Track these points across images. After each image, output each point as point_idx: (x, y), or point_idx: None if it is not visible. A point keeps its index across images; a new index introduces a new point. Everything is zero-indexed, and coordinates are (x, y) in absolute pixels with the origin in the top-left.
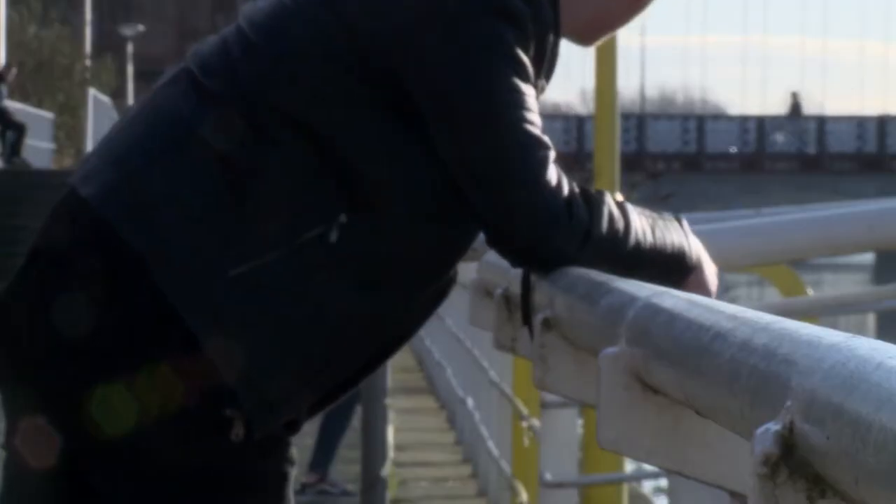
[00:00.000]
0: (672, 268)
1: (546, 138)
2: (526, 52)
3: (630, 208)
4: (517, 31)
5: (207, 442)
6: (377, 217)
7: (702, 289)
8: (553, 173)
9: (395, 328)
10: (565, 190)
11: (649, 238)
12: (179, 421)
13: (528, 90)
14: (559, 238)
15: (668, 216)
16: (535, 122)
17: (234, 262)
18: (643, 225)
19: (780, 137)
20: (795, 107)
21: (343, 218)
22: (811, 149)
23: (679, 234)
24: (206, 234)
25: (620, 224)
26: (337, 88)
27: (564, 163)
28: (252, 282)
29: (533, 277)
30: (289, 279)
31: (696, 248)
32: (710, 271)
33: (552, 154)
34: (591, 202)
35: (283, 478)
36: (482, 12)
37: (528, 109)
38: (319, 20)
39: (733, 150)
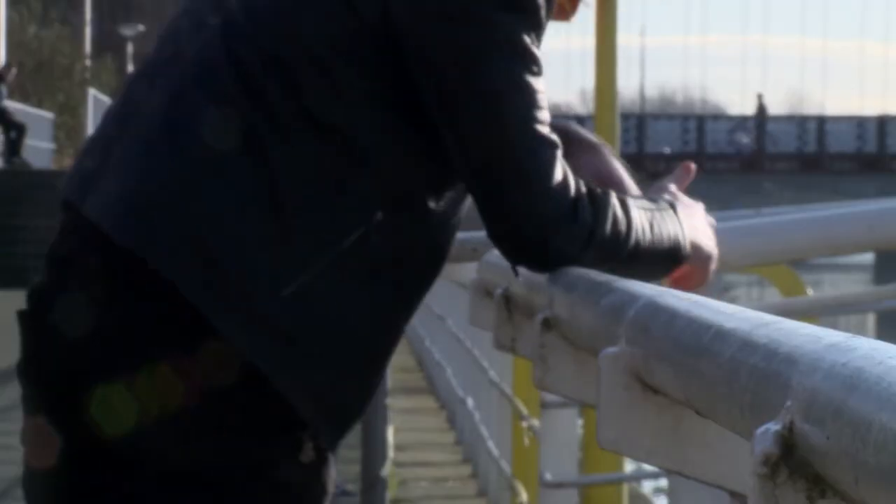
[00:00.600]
0: (667, 261)
1: (554, 137)
2: (539, 37)
3: (630, 204)
4: (529, 20)
5: (274, 462)
6: (403, 212)
7: (695, 275)
8: (560, 173)
9: (409, 319)
10: (571, 190)
11: (648, 235)
12: (240, 440)
13: (537, 85)
14: (562, 239)
15: (663, 204)
16: (543, 121)
17: (285, 281)
18: (643, 222)
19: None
20: (761, 108)
21: (380, 215)
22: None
23: (674, 225)
24: (254, 258)
25: (623, 225)
26: (350, 84)
27: None
28: (306, 297)
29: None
30: (340, 287)
31: (690, 236)
32: (708, 248)
33: (559, 153)
34: (597, 203)
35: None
36: (490, 6)
37: (536, 108)
38: (328, 11)
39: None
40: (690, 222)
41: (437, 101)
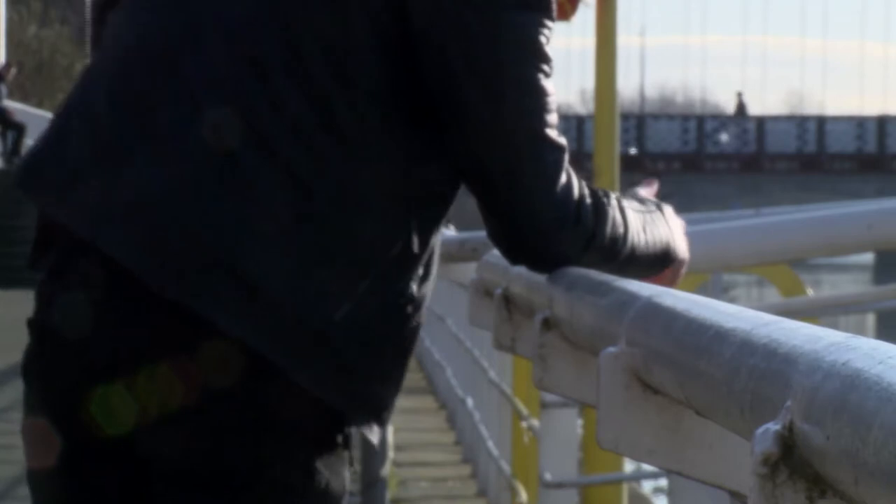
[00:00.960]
0: (658, 263)
1: (562, 140)
2: (550, 32)
3: (626, 207)
4: (543, 18)
5: (281, 462)
6: (430, 215)
7: (667, 278)
8: (564, 177)
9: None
10: (575, 194)
11: (643, 238)
12: (247, 440)
13: (549, 88)
14: (563, 242)
15: (652, 207)
16: (552, 124)
17: (336, 306)
18: (637, 226)
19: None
20: (740, 107)
21: (415, 223)
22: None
23: (665, 229)
24: (305, 288)
25: (621, 229)
26: (362, 85)
27: None
28: (358, 317)
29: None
30: (387, 301)
31: (679, 239)
32: (684, 252)
33: (566, 157)
34: (599, 207)
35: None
36: (505, 5)
37: (547, 111)
38: (338, 13)
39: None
40: (679, 228)
41: (446, 100)
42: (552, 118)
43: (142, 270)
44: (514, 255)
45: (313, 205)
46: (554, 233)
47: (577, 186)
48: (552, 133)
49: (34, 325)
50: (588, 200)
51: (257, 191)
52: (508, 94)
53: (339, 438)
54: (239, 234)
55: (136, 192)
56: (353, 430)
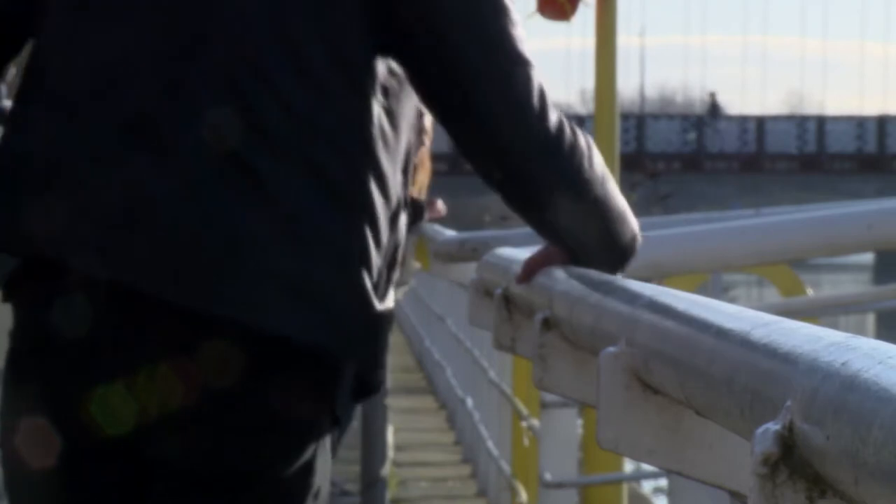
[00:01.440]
0: (624, 216)
1: (561, 118)
2: None
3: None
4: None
5: (281, 459)
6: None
7: None
8: (555, 114)
9: None
10: (567, 132)
11: (610, 182)
12: (248, 439)
13: (528, 55)
14: (551, 165)
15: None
16: (521, 38)
17: (338, 304)
18: (603, 168)
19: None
20: (713, 107)
21: (409, 220)
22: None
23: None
24: (306, 287)
25: (596, 161)
26: (369, 84)
27: None
28: (360, 314)
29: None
30: (385, 298)
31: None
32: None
33: (566, 131)
34: (574, 131)
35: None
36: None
37: (533, 79)
38: (347, 11)
39: None
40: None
41: (446, 93)
42: (539, 84)
43: (141, 280)
44: (504, 184)
45: (315, 203)
46: (543, 159)
47: (567, 124)
48: (523, 48)
49: (30, 325)
50: (566, 123)
51: (259, 190)
52: (505, 83)
53: (334, 436)
54: (240, 233)
55: (135, 195)
56: (348, 427)
